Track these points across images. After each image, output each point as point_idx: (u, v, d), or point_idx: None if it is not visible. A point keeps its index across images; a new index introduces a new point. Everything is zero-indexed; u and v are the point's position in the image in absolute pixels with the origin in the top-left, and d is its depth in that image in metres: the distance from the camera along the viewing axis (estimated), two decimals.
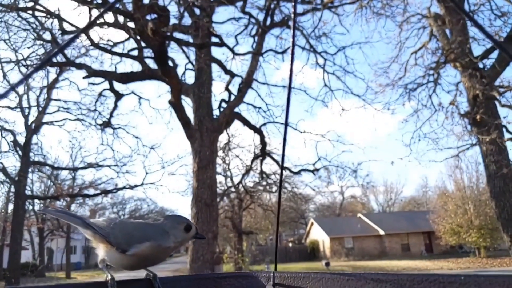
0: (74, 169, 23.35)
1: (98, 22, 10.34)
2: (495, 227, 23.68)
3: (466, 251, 31.83)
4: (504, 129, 11.83)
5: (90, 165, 20.55)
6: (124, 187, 19.53)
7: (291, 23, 12.59)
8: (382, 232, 35.80)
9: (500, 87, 11.93)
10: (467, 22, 13.11)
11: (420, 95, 14.60)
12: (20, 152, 19.75)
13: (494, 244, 27.71)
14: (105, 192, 21.27)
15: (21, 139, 19.81)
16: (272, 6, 12.57)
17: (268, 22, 12.87)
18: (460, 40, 12.28)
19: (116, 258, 1.12)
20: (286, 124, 1.22)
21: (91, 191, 21.93)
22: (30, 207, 29.35)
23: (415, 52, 14.76)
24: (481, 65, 12.49)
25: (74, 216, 1.26)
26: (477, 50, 13.04)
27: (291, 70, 1.11)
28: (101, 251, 1.16)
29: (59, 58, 12.45)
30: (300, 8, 12.61)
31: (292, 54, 1.11)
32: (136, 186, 18.89)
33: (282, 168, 1.30)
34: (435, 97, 14.42)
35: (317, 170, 16.71)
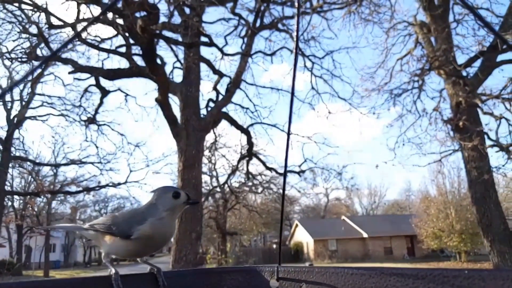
0: (56, 165, 22.98)
1: (86, 18, 10.27)
2: (475, 232, 24.08)
3: (447, 255, 32.28)
4: (485, 136, 12.05)
5: (72, 162, 20.23)
6: (107, 185, 19.24)
7: (285, 27, 12.65)
8: (365, 235, 36.07)
9: (483, 95, 12.15)
10: (452, 31, 13.33)
11: (405, 101, 14.81)
12: (0, 147, 19.36)
13: (474, 249, 28.18)
14: (88, 190, 20.93)
15: (3, 133, 19.43)
16: (262, 8, 12.60)
17: (258, 24, 12.90)
18: (444, 48, 12.46)
19: (122, 247, 1.13)
20: (288, 134, 1.23)
21: (73, 188, 21.54)
22: (9, 203, 28.83)
23: (400, 59, 14.94)
24: (464, 73, 12.70)
25: (71, 225, 1.29)
26: (461, 59, 13.41)
27: (292, 88, 1.13)
28: (105, 246, 1.16)
29: (45, 52, 12.29)
30: (289, 11, 12.69)
31: (294, 72, 1.13)
32: (119, 184, 18.63)
33: (285, 168, 1.33)
34: (420, 103, 14.65)
35: (303, 171, 16.82)
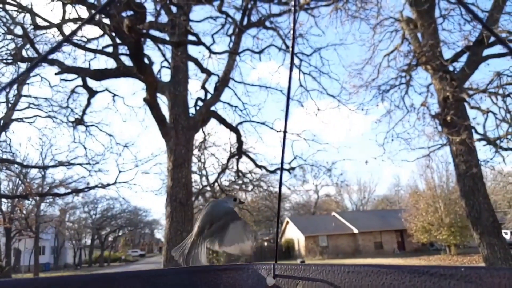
0: (44, 168, 22.70)
1: (72, 18, 10.15)
2: (464, 225, 24.41)
3: (437, 249, 32.67)
4: (473, 130, 12.16)
5: (61, 164, 19.97)
6: (96, 186, 19.04)
7: (272, 25, 12.64)
8: (356, 231, 36.33)
9: (469, 89, 12.26)
10: (438, 26, 13.44)
11: (392, 96, 14.90)
12: None
13: (463, 242, 28.54)
14: (76, 191, 20.72)
15: None
16: (249, 6, 12.58)
17: (245, 22, 12.88)
18: (431, 43, 12.55)
19: None
20: (285, 132, 1.24)
21: (62, 190, 21.35)
22: None
23: (388, 55, 15.02)
24: (451, 68, 12.80)
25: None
26: (448, 54, 13.60)
27: (289, 88, 1.13)
28: None
29: (31, 53, 12.13)
30: (277, 9, 12.72)
31: (290, 71, 1.12)
32: (108, 185, 18.46)
33: (282, 169, 1.35)
34: (407, 99, 14.78)
35: (293, 169, 16.83)
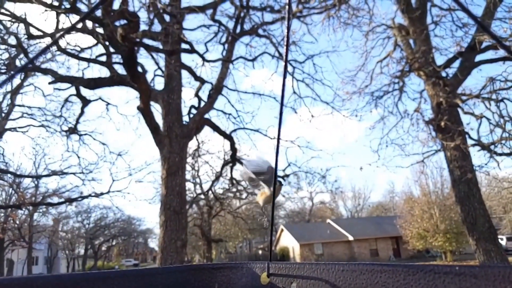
0: (37, 177, 22.50)
1: (67, 27, 10.12)
2: (460, 231, 24.43)
3: (433, 255, 32.65)
4: (467, 136, 12.22)
5: (54, 173, 19.83)
6: (89, 195, 18.89)
7: (265, 33, 12.68)
8: (351, 238, 36.28)
9: (463, 95, 12.34)
10: (430, 33, 13.56)
11: (386, 103, 15.01)
12: None
13: (459, 248, 28.51)
14: (70, 201, 20.56)
15: None
16: (242, 14, 12.64)
17: (238, 30, 12.93)
18: (423, 49, 12.65)
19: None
20: (278, 139, 1.24)
21: (55, 200, 21.19)
22: None
23: (380, 61, 15.12)
24: (444, 74, 12.89)
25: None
26: (440, 60, 13.77)
27: (282, 95, 1.12)
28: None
29: (24, 63, 12.08)
30: (269, 17, 12.77)
31: (284, 78, 1.12)
32: (102, 194, 18.33)
33: (276, 176, 1.39)
34: (401, 105, 14.87)
35: (287, 176, 16.83)
